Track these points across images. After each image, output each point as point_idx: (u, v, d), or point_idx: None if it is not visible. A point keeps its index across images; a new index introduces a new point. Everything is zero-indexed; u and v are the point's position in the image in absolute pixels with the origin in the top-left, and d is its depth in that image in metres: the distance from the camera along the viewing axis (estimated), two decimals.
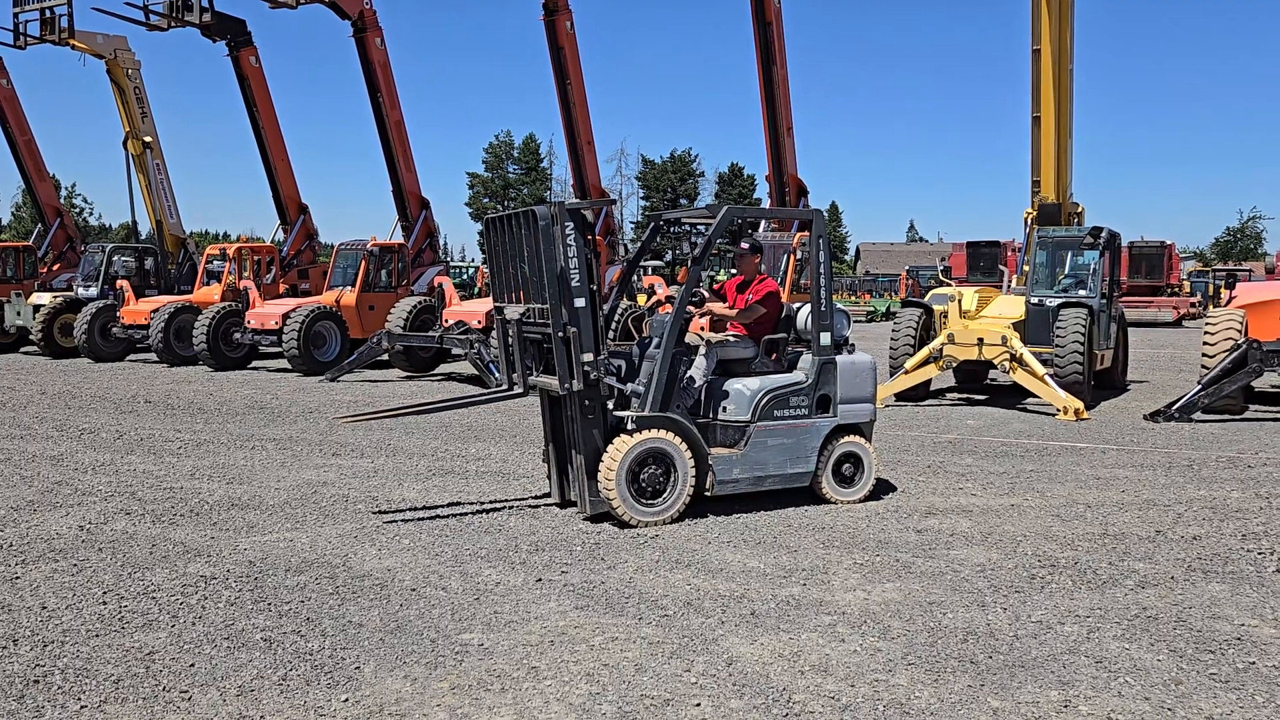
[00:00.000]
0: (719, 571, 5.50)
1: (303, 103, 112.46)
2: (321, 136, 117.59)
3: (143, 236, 27.32)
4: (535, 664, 4.21)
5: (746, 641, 4.47)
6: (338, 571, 5.48)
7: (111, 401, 13.27)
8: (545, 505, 7.06)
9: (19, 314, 22.04)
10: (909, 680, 4.06)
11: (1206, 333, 12.19)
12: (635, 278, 20.01)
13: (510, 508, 7.01)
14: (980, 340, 12.39)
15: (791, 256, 18.42)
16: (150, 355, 19.76)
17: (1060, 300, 13.14)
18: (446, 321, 15.91)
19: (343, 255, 20.00)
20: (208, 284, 21.01)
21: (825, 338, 7.08)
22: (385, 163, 23.35)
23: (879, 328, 32.11)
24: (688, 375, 7.05)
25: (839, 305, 7.44)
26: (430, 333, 15.86)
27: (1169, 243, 36.23)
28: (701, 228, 7.50)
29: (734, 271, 8.16)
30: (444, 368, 18.02)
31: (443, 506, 7.06)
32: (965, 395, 14.21)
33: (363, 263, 19.00)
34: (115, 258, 22.41)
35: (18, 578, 5.37)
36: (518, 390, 6.90)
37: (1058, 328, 12.55)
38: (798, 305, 7.57)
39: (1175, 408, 11.42)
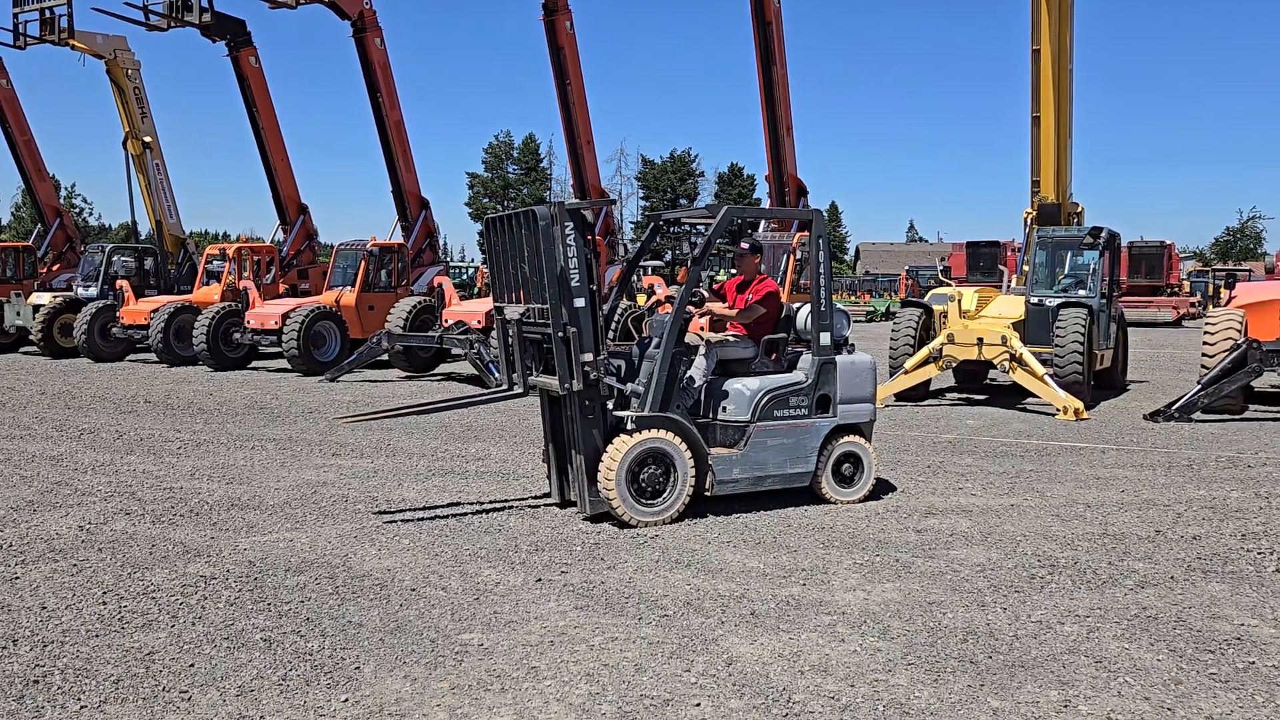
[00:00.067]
0: (719, 571, 5.50)
1: (303, 103, 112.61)
2: (321, 136, 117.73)
3: (142, 236, 27.31)
4: (535, 664, 4.21)
5: (746, 641, 4.47)
6: (337, 571, 5.48)
7: (111, 402, 13.27)
8: (545, 505, 7.06)
9: (19, 314, 22.03)
10: (909, 680, 4.06)
11: (1206, 333, 12.20)
12: (635, 278, 20.01)
13: (510, 508, 7.01)
14: (980, 340, 12.39)
15: (791, 256, 18.43)
16: (150, 355, 19.76)
17: (1060, 300, 13.14)
18: (446, 321, 15.91)
19: (342, 255, 20.00)
20: (207, 284, 21.01)
21: (825, 338, 7.08)
22: (385, 163, 23.34)
23: (879, 328, 32.11)
24: (687, 375, 7.05)
25: (839, 305, 7.45)
26: (430, 333, 15.86)
27: (1169, 243, 36.23)
28: (701, 228, 7.49)
29: (734, 271, 8.16)
30: (444, 368, 18.02)
31: (442, 506, 7.06)
32: (965, 395, 14.21)
33: (362, 263, 19.00)
34: (115, 258, 22.40)
35: (17, 578, 5.37)
36: (518, 390, 6.91)
37: (1057, 328, 12.55)
38: (797, 305, 7.57)
39: (1175, 408, 11.43)
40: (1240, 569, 5.58)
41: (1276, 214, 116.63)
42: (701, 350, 7.23)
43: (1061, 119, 14.92)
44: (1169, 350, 22.77)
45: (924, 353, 12.77)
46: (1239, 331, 11.96)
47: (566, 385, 6.30)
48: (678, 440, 6.52)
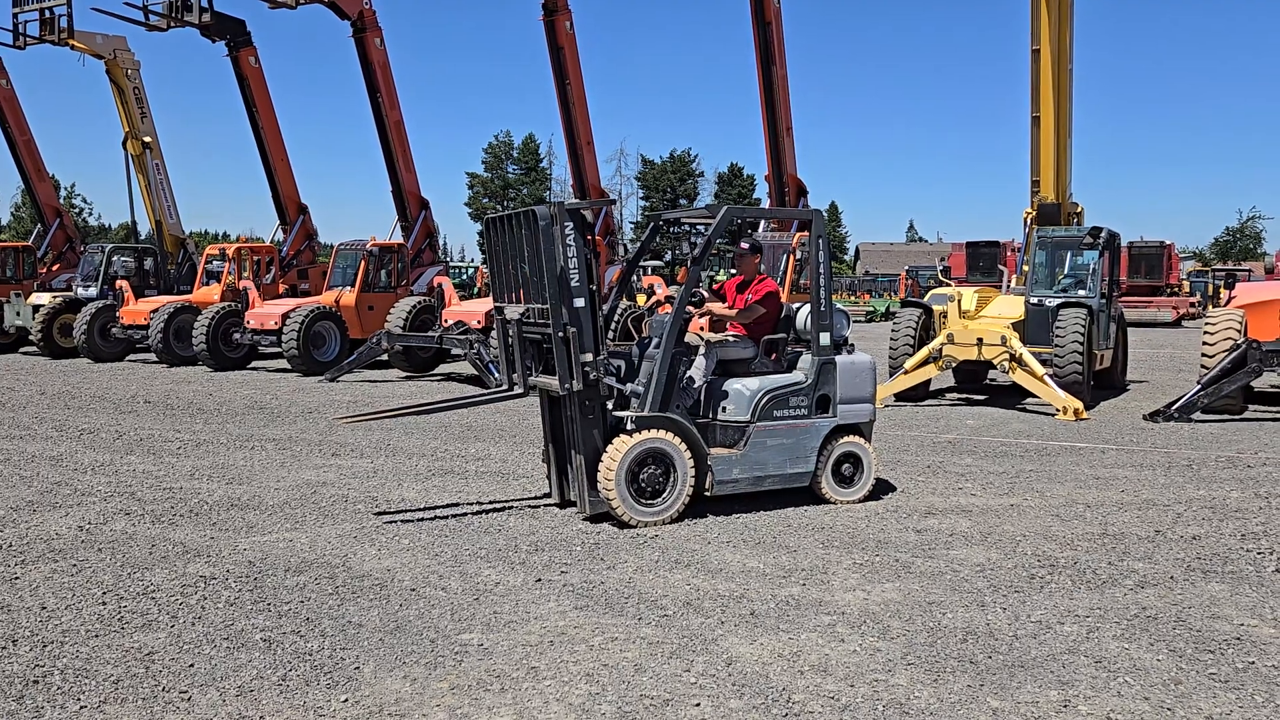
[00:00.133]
0: (718, 571, 5.50)
1: (302, 103, 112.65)
2: (321, 136, 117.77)
3: (142, 237, 27.31)
4: (535, 664, 4.21)
5: (746, 641, 4.47)
6: (337, 572, 5.48)
7: (111, 402, 13.27)
8: (545, 505, 7.06)
9: (18, 314, 22.03)
10: (908, 680, 4.06)
11: (1206, 333, 12.20)
12: (635, 278, 20.00)
13: (510, 508, 7.01)
14: (980, 340, 12.39)
15: (791, 256, 18.42)
16: (150, 355, 19.76)
17: (1060, 300, 13.14)
18: (446, 321, 15.91)
19: (342, 255, 20.00)
20: (207, 284, 21.01)
21: (825, 338, 7.08)
22: (385, 163, 23.34)
23: (878, 328, 32.12)
24: (687, 375, 7.05)
25: (838, 305, 7.44)
26: (430, 333, 15.86)
27: (1168, 243, 36.23)
28: (701, 228, 7.49)
29: (734, 271, 8.16)
30: (443, 368, 18.02)
31: (442, 507, 7.06)
32: (965, 395, 14.21)
33: (362, 263, 19.00)
34: (115, 258, 22.40)
35: (17, 578, 5.37)
36: (518, 390, 6.90)
37: (1057, 328, 12.55)
38: (797, 305, 7.57)
39: (1175, 408, 11.43)
40: (1240, 569, 5.58)
41: (1276, 214, 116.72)
42: (701, 350, 7.23)
43: (1061, 119, 14.92)
44: (1169, 350, 22.78)
45: (924, 353, 12.77)
46: (1239, 332, 11.96)
47: (566, 385, 6.30)
48: (677, 440, 6.52)
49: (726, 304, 7.62)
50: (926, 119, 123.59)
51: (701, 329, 7.62)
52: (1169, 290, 35.73)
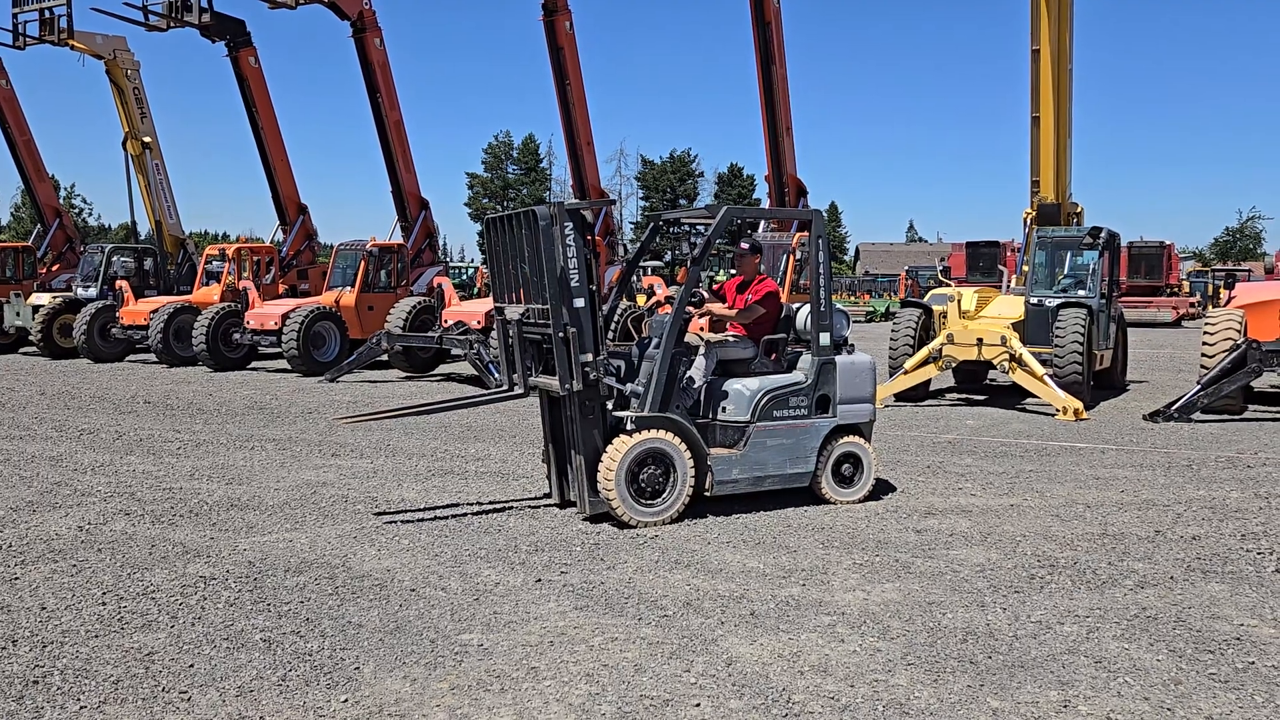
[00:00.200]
0: (718, 572, 5.50)
1: (302, 103, 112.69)
2: (321, 137, 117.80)
3: (142, 237, 27.31)
4: (535, 664, 4.21)
5: (746, 642, 4.47)
6: (337, 572, 5.48)
7: (111, 402, 13.27)
8: (545, 506, 7.05)
9: (18, 314, 22.03)
10: (908, 680, 4.06)
11: (1206, 333, 12.20)
12: (635, 278, 20.00)
13: (510, 508, 7.01)
14: (979, 340, 12.39)
15: (791, 257, 18.41)
16: (149, 356, 19.76)
17: (1059, 300, 13.14)
18: (446, 322, 15.91)
19: (342, 256, 19.99)
20: (207, 284, 21.01)
21: (825, 338, 7.08)
22: (384, 163, 23.34)
23: (878, 328, 32.12)
24: (687, 376, 7.05)
25: (838, 305, 7.44)
26: (430, 333, 15.86)
27: (1168, 243, 36.23)
28: (701, 228, 7.49)
29: (733, 272, 8.16)
30: (443, 368, 18.02)
31: (442, 507, 7.06)
32: (964, 395, 14.21)
33: (362, 263, 18.99)
34: (114, 258, 22.40)
35: (17, 578, 5.37)
36: (518, 391, 6.90)
37: (1057, 328, 12.55)
38: (797, 305, 7.57)
39: (1174, 408, 11.43)
40: (1240, 569, 5.58)
41: (1276, 214, 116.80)
42: (701, 350, 7.23)
43: (1061, 119, 14.92)
44: (1168, 350, 22.78)
45: (924, 353, 12.77)
46: (1238, 332, 11.97)
47: (566, 385, 6.30)
48: (677, 440, 6.52)
49: (726, 304, 7.62)
50: (926, 119, 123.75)
51: (701, 329, 7.62)
52: (1169, 290, 35.73)
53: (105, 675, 4.08)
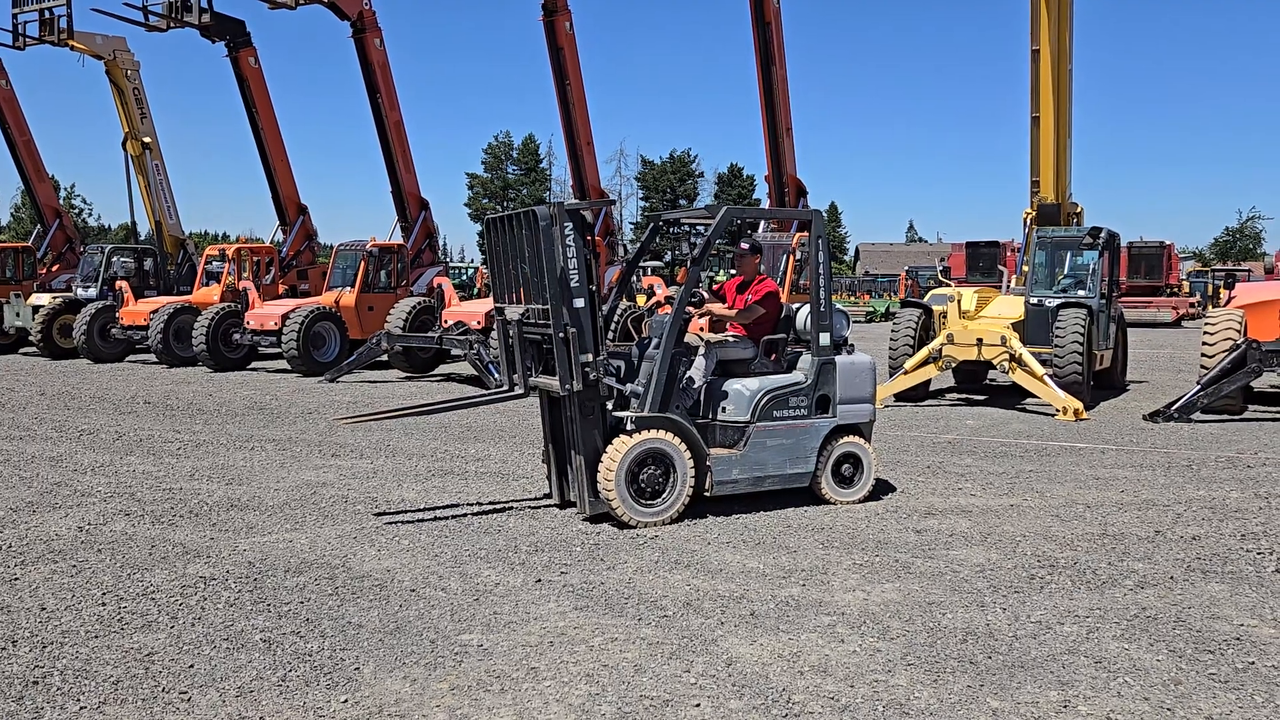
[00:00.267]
0: (718, 572, 5.50)
1: (302, 103, 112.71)
2: (321, 137, 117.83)
3: (142, 237, 27.31)
4: (535, 665, 4.21)
5: (746, 642, 4.47)
6: (337, 572, 5.48)
7: (111, 402, 13.27)
8: (545, 506, 7.05)
9: (18, 315, 22.03)
10: (908, 681, 4.06)
11: (1205, 333, 12.20)
12: (634, 278, 20.01)
13: (510, 509, 7.01)
14: (979, 340, 12.39)
15: (791, 257, 18.41)
16: (149, 356, 19.76)
17: (1059, 300, 13.14)
18: (446, 322, 15.91)
19: (342, 256, 19.99)
20: (207, 285, 21.01)
21: (824, 338, 7.08)
22: (384, 163, 23.33)
23: (878, 328, 32.12)
24: (687, 376, 7.05)
25: (838, 306, 7.44)
26: (429, 333, 15.86)
27: (1168, 243, 36.23)
28: (701, 228, 7.49)
29: (733, 272, 8.16)
30: (443, 368, 18.02)
31: (442, 507, 7.06)
32: (964, 395, 14.21)
33: (362, 263, 18.99)
34: (114, 258, 22.41)
35: (17, 579, 5.37)
36: (518, 391, 6.90)
37: (1057, 328, 12.55)
38: (797, 306, 7.57)
39: (1174, 408, 11.43)
40: (1240, 569, 5.58)
41: (1276, 214, 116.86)
42: (701, 351, 7.23)
43: (1061, 119, 14.92)
44: (1168, 350, 22.78)
45: (923, 353, 12.77)
46: (1238, 332, 11.97)
47: (567, 386, 6.30)
48: (677, 441, 6.52)
49: (726, 304, 7.62)
50: (926, 119, 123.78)
51: (701, 329, 7.62)
52: (1169, 290, 35.73)
53: (105, 676, 4.08)
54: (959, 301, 12.87)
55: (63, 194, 70.31)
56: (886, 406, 12.46)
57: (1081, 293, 13.33)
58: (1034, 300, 13.44)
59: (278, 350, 17.57)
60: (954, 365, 12.88)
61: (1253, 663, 4.24)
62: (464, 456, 9.07)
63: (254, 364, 18.77)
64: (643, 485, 6.42)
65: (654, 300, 16.15)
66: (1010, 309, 13.72)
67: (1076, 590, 5.21)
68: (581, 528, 6.44)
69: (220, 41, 22.89)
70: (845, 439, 7.13)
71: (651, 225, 8.03)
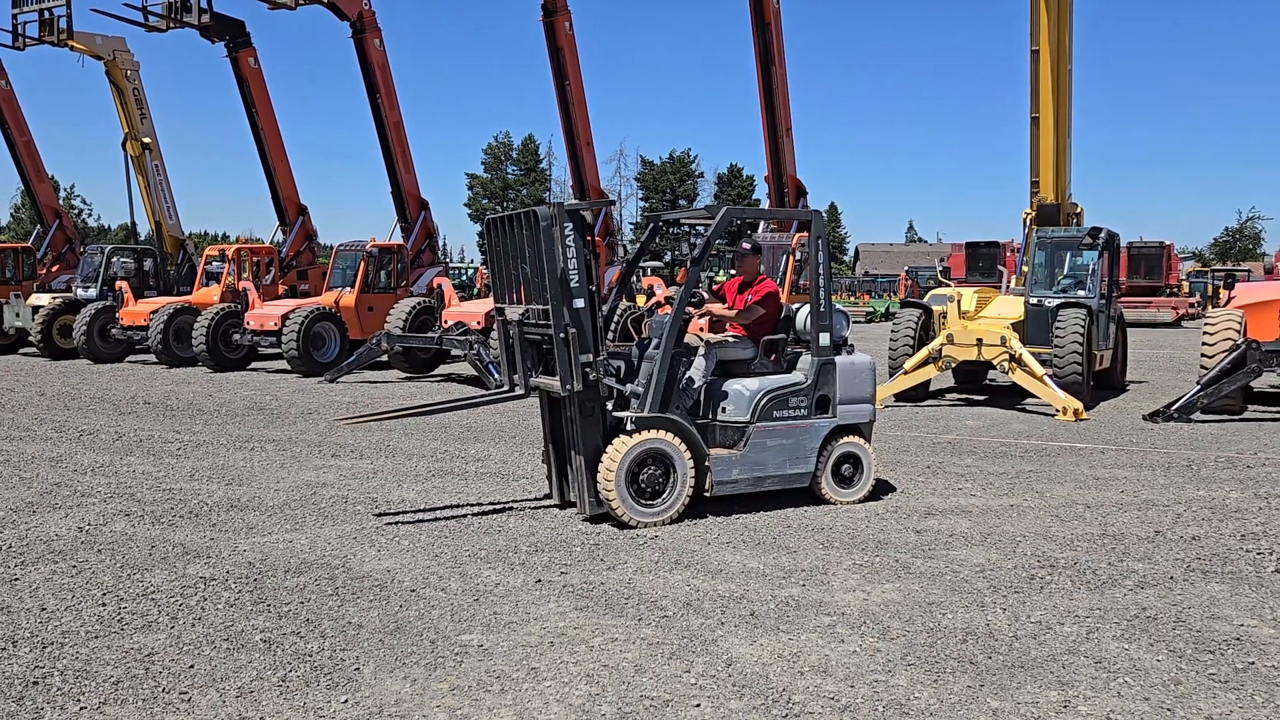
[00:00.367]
0: (718, 572, 5.50)
1: (302, 104, 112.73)
2: (321, 138, 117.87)
3: (142, 238, 27.30)
4: (535, 665, 4.21)
5: (746, 642, 4.47)
6: (337, 573, 5.48)
7: (111, 403, 13.27)
8: (545, 506, 7.05)
9: (18, 315, 22.03)
10: (908, 681, 4.06)
11: (1205, 333, 12.20)
12: (634, 279, 20.00)
13: (510, 509, 7.01)
14: (979, 341, 12.39)
15: (790, 257, 18.42)
16: (149, 356, 19.76)
17: (1059, 301, 13.14)
18: (446, 322, 15.91)
19: (342, 256, 19.99)
20: (207, 285, 21.01)
21: (824, 338, 7.08)
22: (384, 164, 23.33)
23: (878, 328, 32.12)
24: (687, 376, 7.05)
25: (838, 306, 7.44)
26: (429, 334, 15.86)
27: (1168, 243, 36.23)
28: (700, 228, 7.50)
29: (734, 272, 8.16)
30: (443, 369, 18.02)
31: (442, 508, 7.06)
32: (964, 396, 14.21)
33: (362, 264, 19.00)
34: (114, 259, 22.41)
35: (17, 579, 5.37)
36: (518, 391, 6.90)
37: (1057, 328, 12.55)
38: (797, 306, 7.57)
39: (1174, 408, 11.43)
40: (1239, 569, 5.59)
41: (1275, 214, 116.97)
42: (701, 351, 7.23)
43: (1060, 119, 14.92)
44: (1168, 350, 22.78)
45: (923, 353, 12.77)
46: (1238, 332, 11.97)
47: (567, 386, 6.30)
48: (677, 441, 6.52)
49: (726, 304, 7.62)
50: (926, 119, 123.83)
51: (701, 330, 7.62)
52: (1168, 290, 35.74)
53: (105, 676, 4.08)
54: (959, 302, 12.87)
55: (62, 194, 70.31)
56: (886, 406, 12.46)
57: (1081, 293, 13.33)
58: (1034, 300, 13.44)
59: (278, 350, 17.57)
60: (954, 365, 12.88)
61: (1253, 663, 4.25)
62: (464, 457, 9.07)
63: (254, 364, 18.77)
64: (643, 485, 6.42)
65: (654, 300, 16.16)
66: (1010, 309, 13.72)
67: (1076, 590, 5.21)
68: (581, 528, 6.44)
69: (220, 42, 22.89)
70: (845, 439, 7.13)
71: (651, 225, 8.03)
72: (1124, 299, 23.75)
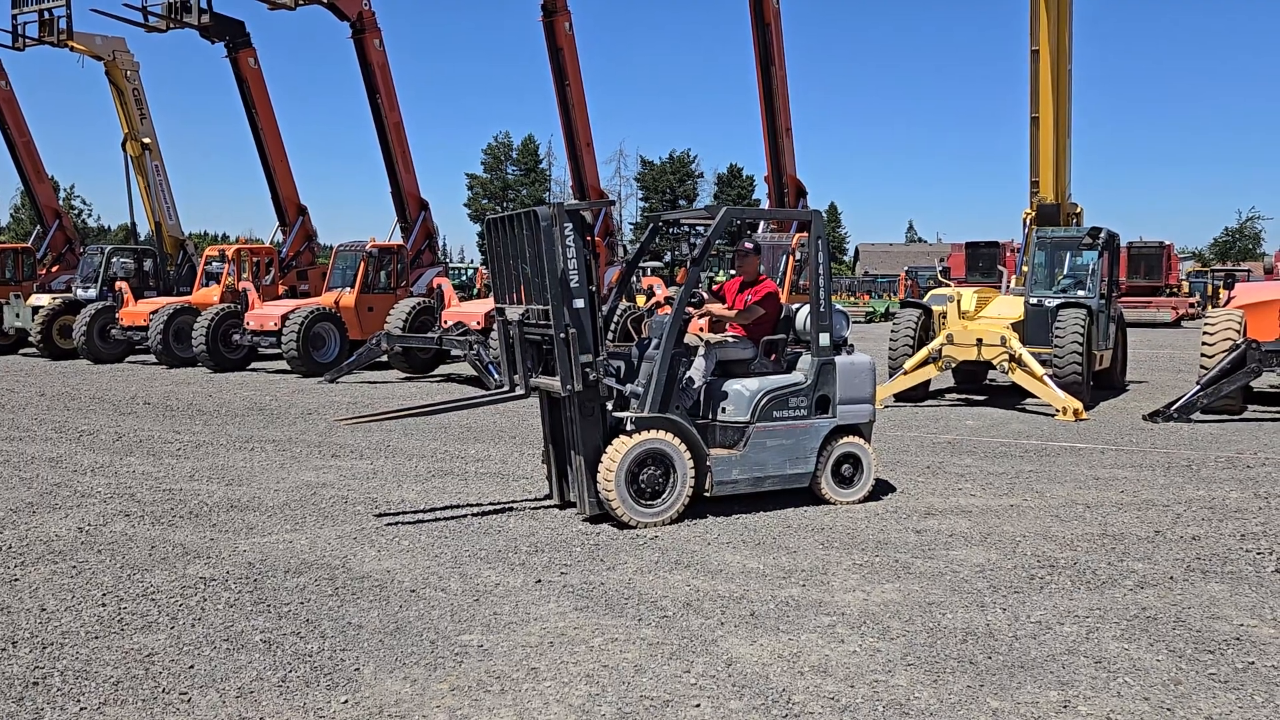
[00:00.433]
0: (718, 572, 5.50)
1: (302, 104, 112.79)
2: (320, 138, 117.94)
3: (141, 238, 27.30)
4: (535, 665, 4.21)
5: (746, 642, 4.47)
6: (337, 573, 5.48)
7: (110, 403, 13.27)
8: (545, 507, 7.05)
9: (18, 315, 22.03)
10: (908, 681, 4.06)
11: (1205, 333, 12.20)
12: (634, 279, 20.00)
13: (510, 509, 7.01)
14: (979, 341, 12.39)
15: (790, 257, 18.42)
16: (149, 357, 19.76)
17: (1059, 301, 13.15)
18: (445, 322, 15.91)
19: (342, 256, 19.99)
20: (207, 285, 21.01)
21: (824, 338, 7.08)
22: (384, 164, 23.34)
23: (878, 328, 32.12)
24: (687, 376, 7.05)
25: (838, 306, 7.44)
26: (429, 334, 15.86)
27: (1168, 243, 36.25)
28: (700, 229, 7.50)
29: (733, 272, 8.17)
30: (443, 369, 18.02)
31: (442, 508, 7.06)
32: (964, 396, 14.21)
33: (362, 264, 19.00)
34: (114, 259, 22.42)
35: (17, 580, 5.37)
36: (519, 391, 6.90)
37: (1056, 328, 12.55)
38: (797, 306, 7.57)
39: (1174, 408, 11.43)
40: (1239, 569, 5.59)
41: (1275, 214, 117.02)
42: (701, 351, 7.23)
43: (1060, 120, 14.92)
44: (1168, 350, 22.78)
45: (923, 353, 12.77)
46: (1238, 332, 11.97)
47: (567, 386, 6.30)
48: (677, 441, 6.52)
49: (726, 305, 7.62)
50: (926, 119, 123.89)
51: (701, 330, 7.62)
52: (1168, 290, 35.75)
53: (105, 676, 4.08)
54: (958, 302, 12.87)
55: (62, 195, 70.30)
56: (886, 407, 12.46)
57: (1081, 293, 13.33)
58: (1034, 300, 13.44)
59: (277, 351, 17.57)
60: (954, 365, 12.88)
61: (1253, 663, 4.25)
62: (464, 457, 9.07)
63: (254, 364, 18.77)
64: (643, 485, 6.42)
65: (654, 301, 16.15)
66: (1010, 309, 13.72)
67: (1076, 590, 5.21)
68: (581, 528, 6.44)
69: (220, 42, 22.89)
70: (845, 439, 7.13)
71: (651, 226, 8.03)
72: (1124, 299, 23.75)
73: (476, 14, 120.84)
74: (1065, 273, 14.45)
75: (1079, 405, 11.75)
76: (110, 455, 9.19)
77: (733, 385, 6.99)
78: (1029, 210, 15.54)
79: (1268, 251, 69.94)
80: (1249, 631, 4.61)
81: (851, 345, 7.35)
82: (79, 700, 3.86)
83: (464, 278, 40.22)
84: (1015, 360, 12.16)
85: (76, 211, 73.59)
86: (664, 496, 6.49)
